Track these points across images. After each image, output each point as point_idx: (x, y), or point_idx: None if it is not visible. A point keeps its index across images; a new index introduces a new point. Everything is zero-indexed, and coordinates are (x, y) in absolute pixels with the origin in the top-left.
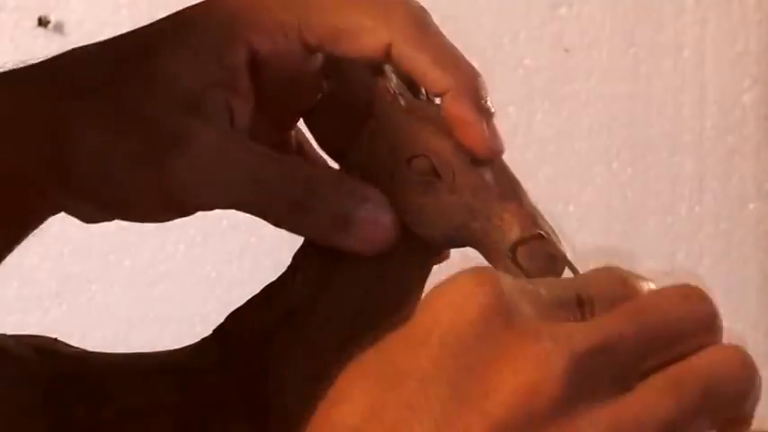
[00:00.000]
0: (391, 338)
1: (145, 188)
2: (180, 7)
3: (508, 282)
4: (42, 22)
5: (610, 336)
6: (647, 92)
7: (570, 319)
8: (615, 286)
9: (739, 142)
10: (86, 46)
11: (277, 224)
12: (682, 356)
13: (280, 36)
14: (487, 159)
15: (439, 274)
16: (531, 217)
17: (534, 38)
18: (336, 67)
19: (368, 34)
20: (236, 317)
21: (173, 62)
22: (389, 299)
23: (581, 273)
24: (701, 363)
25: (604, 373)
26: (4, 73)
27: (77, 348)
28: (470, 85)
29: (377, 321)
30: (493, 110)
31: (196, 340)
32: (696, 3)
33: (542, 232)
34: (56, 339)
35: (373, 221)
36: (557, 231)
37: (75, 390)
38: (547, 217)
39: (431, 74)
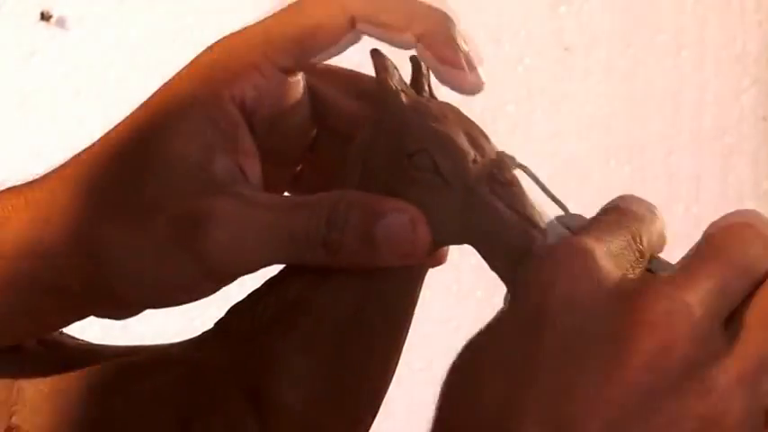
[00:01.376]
0: (501, 323)
1: (181, 276)
2: (179, 2)
3: (597, 246)
4: (45, 17)
5: (713, 286)
6: (645, 91)
7: (633, 260)
8: (651, 219)
9: (737, 142)
10: (89, 151)
11: (313, 264)
12: (762, 283)
13: (257, 77)
14: (470, 94)
15: (440, 272)
16: (529, 217)
17: (534, 37)
18: (324, 99)
19: (329, 22)
20: (237, 311)
21: (172, 146)
22: (387, 294)
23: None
24: None
25: (716, 321)
26: (16, 191)
27: (81, 340)
28: (441, 27)
29: (374, 316)
30: (467, 47)
31: (197, 334)
32: (695, 3)
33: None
34: (61, 332)
35: (395, 235)
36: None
37: (79, 382)
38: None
39: (400, 29)
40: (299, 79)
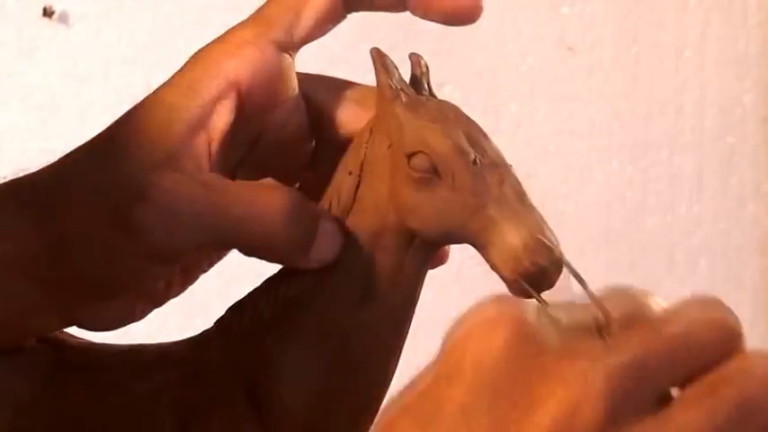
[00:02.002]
0: (423, 376)
1: (123, 259)
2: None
3: (530, 308)
4: (47, 12)
5: (641, 352)
6: (647, 91)
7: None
8: (630, 308)
9: (739, 143)
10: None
11: (249, 255)
12: (708, 368)
13: (252, 51)
14: (469, 20)
15: (440, 271)
16: (530, 221)
17: (537, 36)
18: (319, 108)
19: None
20: (237, 310)
21: (144, 119)
22: (386, 296)
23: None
24: (730, 373)
25: (640, 390)
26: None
27: (82, 339)
28: None
29: (374, 316)
30: None
31: (197, 332)
32: (698, 4)
33: (543, 238)
34: (61, 330)
35: (329, 239)
36: (555, 234)
37: (78, 380)
38: (546, 217)
39: None
40: (293, 62)
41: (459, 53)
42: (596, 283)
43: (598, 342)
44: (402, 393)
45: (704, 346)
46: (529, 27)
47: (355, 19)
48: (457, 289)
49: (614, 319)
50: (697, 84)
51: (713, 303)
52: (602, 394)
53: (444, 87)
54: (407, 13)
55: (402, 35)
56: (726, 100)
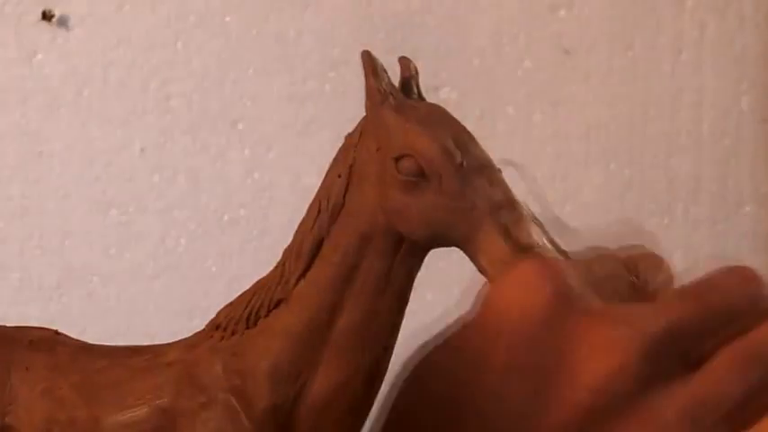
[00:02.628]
0: (459, 336)
1: None
2: (181, 3)
3: (568, 266)
4: (46, 16)
5: (677, 317)
6: (645, 94)
7: (624, 286)
8: (653, 260)
9: (736, 145)
10: None
11: None
12: (742, 332)
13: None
14: None
15: (439, 274)
16: (516, 223)
17: (533, 39)
18: None
19: None
20: (228, 311)
21: None
22: (376, 298)
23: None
24: (763, 336)
25: (675, 351)
26: None
27: (77, 340)
28: None
29: (362, 320)
30: None
31: (193, 333)
32: (695, 6)
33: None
34: (57, 331)
35: None
36: (552, 235)
37: (72, 381)
38: (543, 220)
39: None
40: None
41: (456, 56)
42: None
43: (637, 306)
44: (430, 349)
45: (737, 313)
46: (525, 30)
47: (355, 22)
48: (456, 292)
49: (641, 266)
50: (694, 86)
51: (747, 273)
52: (640, 359)
53: (441, 90)
54: (406, 17)
55: (400, 38)
56: (723, 102)
